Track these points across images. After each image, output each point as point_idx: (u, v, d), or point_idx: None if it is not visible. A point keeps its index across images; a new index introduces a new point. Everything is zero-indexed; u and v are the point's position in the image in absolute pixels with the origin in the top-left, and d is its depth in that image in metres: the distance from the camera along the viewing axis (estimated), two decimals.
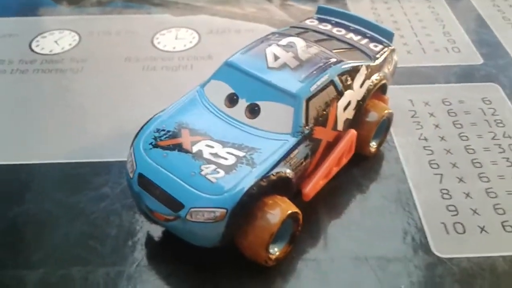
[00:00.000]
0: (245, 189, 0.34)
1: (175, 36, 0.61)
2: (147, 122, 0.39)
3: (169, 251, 0.39)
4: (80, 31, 0.62)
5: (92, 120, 0.50)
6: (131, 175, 0.37)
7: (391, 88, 0.47)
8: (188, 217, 0.34)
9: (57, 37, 0.61)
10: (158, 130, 0.38)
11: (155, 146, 0.37)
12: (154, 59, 0.57)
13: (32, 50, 0.59)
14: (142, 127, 0.39)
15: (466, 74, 0.55)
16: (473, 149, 0.46)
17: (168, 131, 0.38)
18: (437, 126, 0.48)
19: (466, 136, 0.47)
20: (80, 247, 0.39)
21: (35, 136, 0.48)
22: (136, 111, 0.50)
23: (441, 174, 0.44)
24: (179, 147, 0.37)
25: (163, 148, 0.37)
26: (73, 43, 0.60)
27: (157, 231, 0.40)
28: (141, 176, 0.36)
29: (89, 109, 0.51)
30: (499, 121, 0.49)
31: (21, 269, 0.37)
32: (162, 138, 0.37)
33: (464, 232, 0.39)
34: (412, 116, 0.50)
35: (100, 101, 0.52)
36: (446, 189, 0.43)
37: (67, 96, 0.53)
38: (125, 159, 0.38)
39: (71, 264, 0.38)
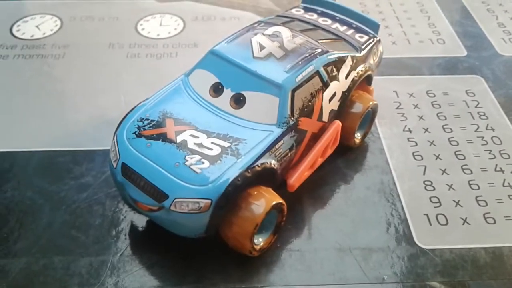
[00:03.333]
0: (230, 180, 0.34)
1: (159, 23, 0.60)
2: (131, 111, 0.39)
3: (153, 241, 0.38)
4: (62, 16, 0.61)
5: (74, 108, 0.49)
6: (114, 164, 0.36)
7: (376, 79, 0.47)
8: (172, 207, 0.34)
9: (38, 21, 0.60)
10: (142, 119, 0.38)
11: (139, 135, 0.37)
12: (138, 46, 0.56)
13: (13, 35, 0.58)
14: (125, 116, 0.38)
15: (450, 66, 0.55)
16: (456, 141, 0.46)
17: (152, 120, 0.37)
18: (421, 117, 0.49)
19: (450, 128, 0.48)
20: (62, 236, 0.38)
21: (16, 123, 0.47)
22: (119, 99, 0.49)
23: (425, 166, 0.44)
24: (163, 137, 0.36)
25: (147, 137, 0.36)
26: (54, 28, 0.59)
27: (141, 221, 0.39)
28: (124, 166, 0.36)
29: (71, 96, 0.50)
30: (482, 114, 0.49)
31: (3, 258, 0.37)
32: (146, 127, 0.37)
33: (447, 223, 0.40)
34: (397, 108, 0.50)
35: (82, 88, 0.51)
36: (430, 181, 0.43)
37: (49, 82, 0.52)
38: (108, 148, 0.38)
39: (54, 253, 0.37)
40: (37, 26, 0.59)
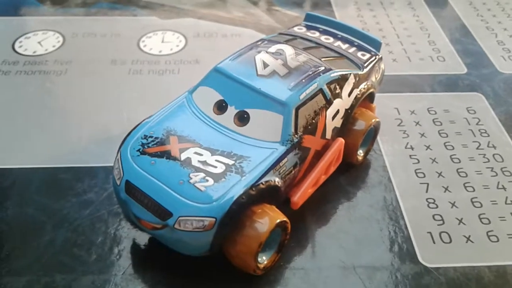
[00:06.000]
0: (234, 198, 0.34)
1: (161, 39, 0.60)
2: (135, 128, 0.39)
3: (156, 259, 0.38)
4: (64, 33, 0.61)
5: (76, 124, 0.49)
6: (118, 182, 0.36)
7: (377, 97, 0.47)
8: (176, 225, 0.34)
9: (40, 38, 0.60)
10: (146, 137, 0.38)
11: (143, 153, 0.37)
12: (141, 63, 0.57)
13: (15, 51, 0.58)
14: (129, 133, 0.38)
15: (450, 83, 0.55)
16: (458, 159, 0.46)
17: (156, 138, 0.37)
18: (423, 135, 0.49)
19: (452, 146, 0.48)
20: (64, 254, 0.38)
21: (18, 140, 0.47)
22: (122, 116, 0.49)
23: (427, 183, 0.44)
24: (167, 155, 0.36)
25: (151, 155, 0.36)
26: (57, 44, 0.59)
27: (143, 239, 0.39)
28: (128, 183, 0.36)
29: (73, 112, 0.50)
30: (483, 131, 0.49)
31: (5, 276, 0.37)
32: (150, 145, 0.37)
33: (450, 241, 0.40)
34: (399, 125, 0.50)
35: (84, 104, 0.51)
36: (432, 198, 0.43)
37: (51, 98, 0.52)
38: (110, 164, 0.38)
39: (55, 271, 0.37)
40: (39, 42, 0.59)
